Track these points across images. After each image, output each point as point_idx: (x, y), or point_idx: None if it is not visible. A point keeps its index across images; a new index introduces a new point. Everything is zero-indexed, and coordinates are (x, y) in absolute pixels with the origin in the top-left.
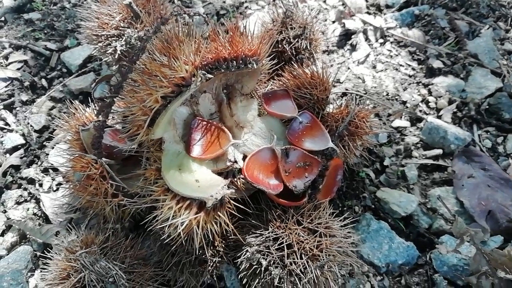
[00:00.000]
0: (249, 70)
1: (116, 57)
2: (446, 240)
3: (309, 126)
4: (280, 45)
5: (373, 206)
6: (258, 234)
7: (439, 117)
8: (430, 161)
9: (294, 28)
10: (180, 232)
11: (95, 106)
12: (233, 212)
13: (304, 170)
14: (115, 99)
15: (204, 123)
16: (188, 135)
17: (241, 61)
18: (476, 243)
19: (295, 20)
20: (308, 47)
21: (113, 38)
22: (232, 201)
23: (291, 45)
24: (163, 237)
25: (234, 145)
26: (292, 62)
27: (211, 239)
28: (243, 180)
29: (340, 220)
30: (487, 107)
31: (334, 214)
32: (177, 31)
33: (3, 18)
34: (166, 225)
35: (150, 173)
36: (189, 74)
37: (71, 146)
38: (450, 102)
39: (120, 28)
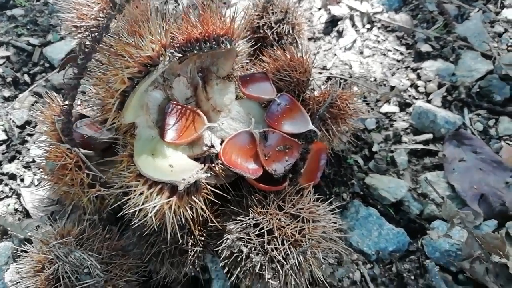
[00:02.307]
0: (222, 50)
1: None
2: (438, 225)
3: (288, 108)
4: (261, 31)
5: (361, 193)
6: (238, 221)
7: (428, 101)
8: (420, 146)
9: (276, 13)
10: (152, 217)
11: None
12: (213, 199)
13: (284, 154)
14: (80, 81)
15: (179, 107)
16: (163, 120)
17: (213, 41)
18: (467, 226)
19: (276, 5)
20: (291, 32)
21: (92, 29)
22: (211, 188)
23: (273, 30)
24: (136, 224)
25: (211, 130)
26: (274, 47)
27: (189, 226)
28: (222, 166)
29: (327, 206)
30: (478, 90)
31: (321, 201)
32: (145, 9)
33: None
34: (137, 210)
35: (122, 158)
36: (156, 53)
37: (47, 137)
38: (440, 86)
39: (99, 19)
